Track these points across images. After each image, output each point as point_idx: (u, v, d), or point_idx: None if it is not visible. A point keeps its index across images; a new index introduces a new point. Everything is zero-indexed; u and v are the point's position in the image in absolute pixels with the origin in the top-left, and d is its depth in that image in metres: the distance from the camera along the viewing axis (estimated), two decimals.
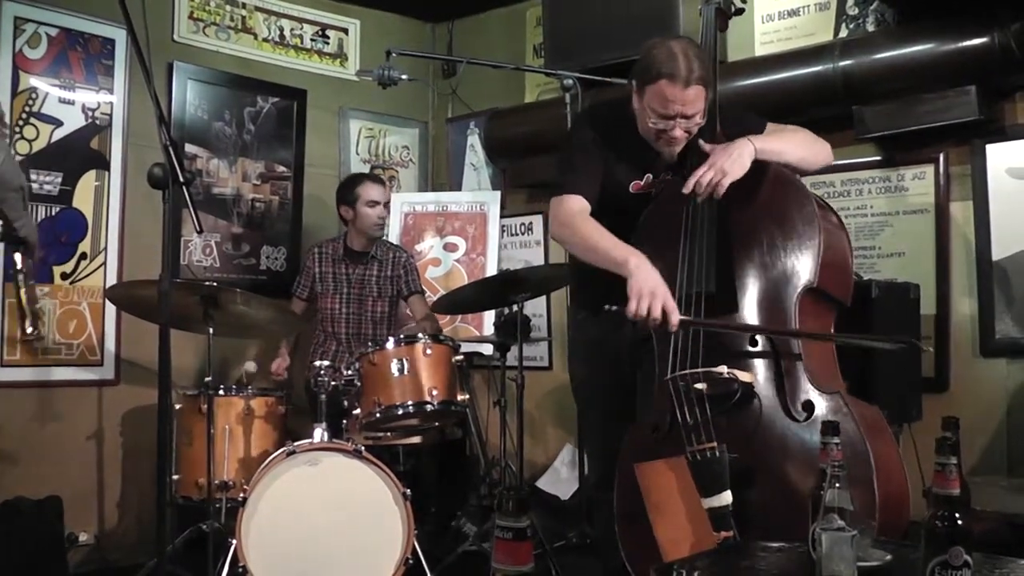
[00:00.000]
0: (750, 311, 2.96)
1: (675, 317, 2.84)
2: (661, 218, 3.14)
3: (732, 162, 2.95)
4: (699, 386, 2.84)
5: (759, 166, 3.04)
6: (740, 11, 3.63)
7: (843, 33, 4.72)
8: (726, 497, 2.69)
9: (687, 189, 2.99)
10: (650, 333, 3.01)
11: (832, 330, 3.07)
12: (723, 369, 2.84)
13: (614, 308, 2.90)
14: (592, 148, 3.27)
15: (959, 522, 1.84)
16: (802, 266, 2.93)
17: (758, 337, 2.92)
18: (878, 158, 4.65)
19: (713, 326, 2.93)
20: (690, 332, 2.92)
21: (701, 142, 3.08)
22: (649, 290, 2.84)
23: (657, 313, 2.82)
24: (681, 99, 3.00)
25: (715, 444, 2.75)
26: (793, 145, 3.15)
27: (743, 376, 2.85)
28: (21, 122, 4.75)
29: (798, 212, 2.98)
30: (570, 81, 4.49)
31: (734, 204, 2.98)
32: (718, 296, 2.96)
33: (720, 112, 3.23)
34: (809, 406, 2.80)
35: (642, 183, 3.28)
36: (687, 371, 2.88)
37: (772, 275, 2.96)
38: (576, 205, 3.19)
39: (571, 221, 3.16)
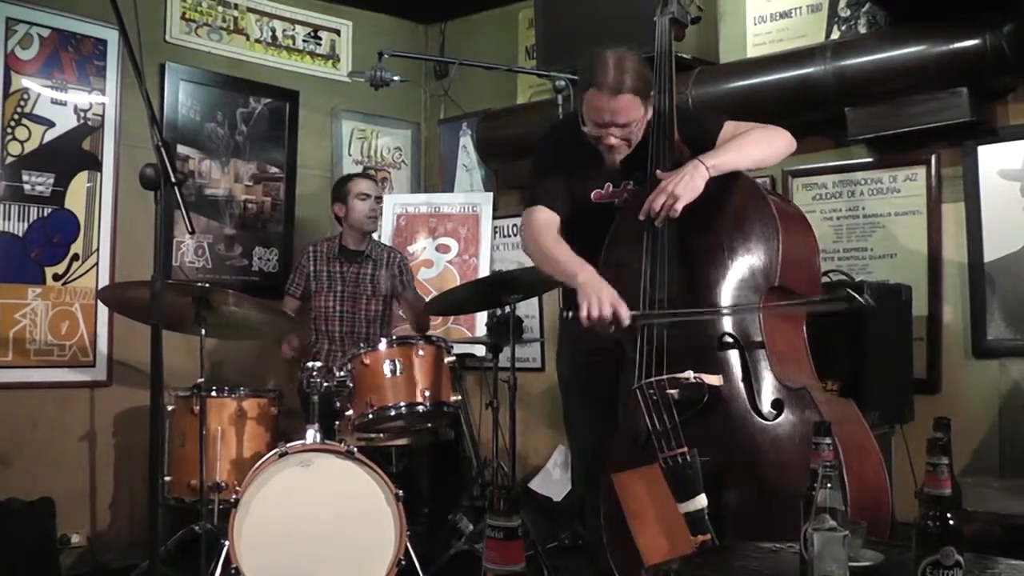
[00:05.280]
0: (715, 317, 2.98)
1: (624, 312, 2.91)
2: (627, 227, 3.15)
3: (683, 186, 2.95)
4: (671, 392, 2.85)
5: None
6: (696, 20, 3.64)
7: (835, 35, 4.73)
8: (700, 501, 2.71)
9: (642, 216, 3.03)
10: (621, 339, 3.03)
11: (804, 328, 3.08)
12: (689, 374, 2.85)
13: (570, 314, 2.98)
14: (555, 161, 3.35)
15: (950, 522, 1.85)
16: (763, 266, 2.95)
17: (727, 337, 2.93)
18: (870, 159, 4.66)
19: (664, 317, 2.95)
20: (654, 340, 2.93)
21: (658, 172, 3.08)
22: (597, 294, 2.94)
23: (608, 312, 2.90)
24: (610, 108, 3.06)
25: (685, 449, 2.76)
26: (748, 149, 3.13)
27: (710, 379, 2.86)
28: (13, 123, 4.74)
29: (755, 213, 3.00)
30: (562, 82, 4.50)
31: (695, 211, 2.98)
32: (683, 302, 2.98)
33: (678, 115, 3.22)
34: (778, 404, 2.82)
35: (604, 192, 3.31)
36: (652, 379, 2.90)
37: (735, 277, 2.97)
38: (541, 218, 3.30)
39: (535, 235, 3.28)
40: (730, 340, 2.93)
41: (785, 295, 2.99)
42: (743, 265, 2.98)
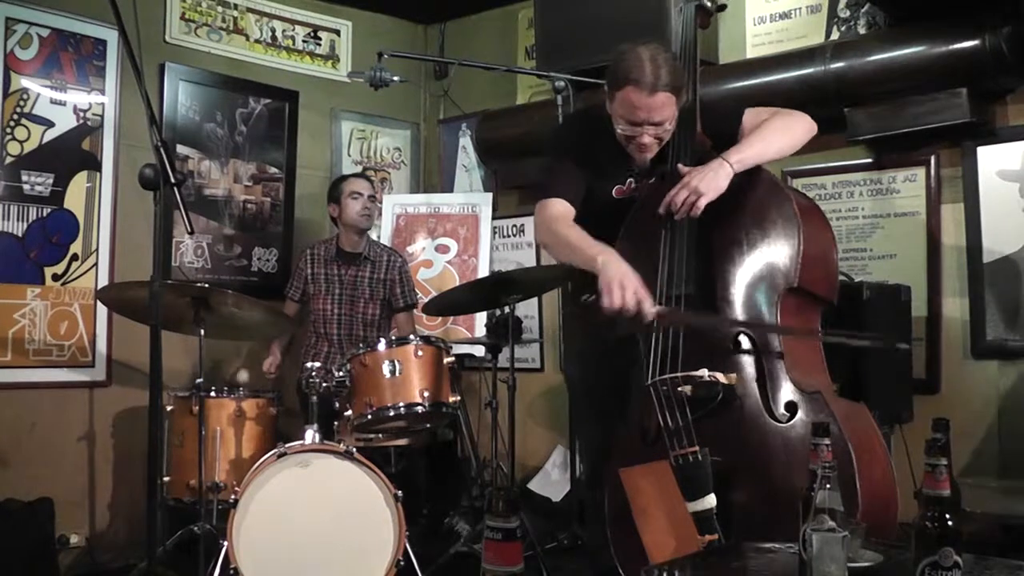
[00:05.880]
0: (731, 313, 2.96)
1: (648, 305, 2.84)
2: (644, 221, 3.14)
3: (707, 183, 2.92)
4: (683, 389, 2.83)
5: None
6: (722, 7, 3.60)
7: (834, 36, 4.73)
8: (710, 500, 2.69)
9: (662, 209, 2.99)
10: (635, 334, 3.00)
11: (818, 329, 3.06)
12: (703, 372, 2.83)
13: (590, 299, 2.92)
14: (573, 154, 3.28)
15: (949, 523, 1.85)
16: (782, 266, 2.93)
17: (741, 338, 2.91)
18: (869, 160, 4.66)
19: (692, 320, 2.92)
20: (669, 335, 2.90)
21: (680, 166, 3.06)
22: (619, 281, 2.84)
23: (631, 302, 2.81)
24: (647, 106, 3.00)
25: (696, 448, 2.74)
26: (772, 139, 3.10)
27: (724, 378, 2.84)
28: (12, 123, 4.74)
29: (777, 211, 2.98)
30: (561, 83, 4.50)
31: (714, 205, 2.96)
32: (699, 298, 2.96)
33: (700, 108, 3.21)
34: (792, 407, 2.80)
35: (625, 188, 3.27)
36: (667, 375, 2.87)
37: (752, 276, 2.96)
38: (556, 209, 3.21)
39: (551, 225, 3.19)
40: (745, 341, 2.91)
41: (804, 296, 2.98)
42: (762, 263, 2.95)
